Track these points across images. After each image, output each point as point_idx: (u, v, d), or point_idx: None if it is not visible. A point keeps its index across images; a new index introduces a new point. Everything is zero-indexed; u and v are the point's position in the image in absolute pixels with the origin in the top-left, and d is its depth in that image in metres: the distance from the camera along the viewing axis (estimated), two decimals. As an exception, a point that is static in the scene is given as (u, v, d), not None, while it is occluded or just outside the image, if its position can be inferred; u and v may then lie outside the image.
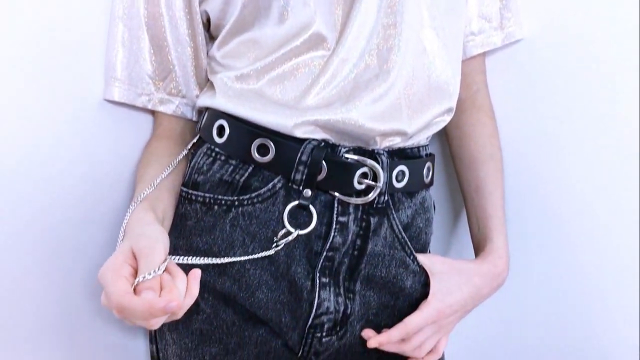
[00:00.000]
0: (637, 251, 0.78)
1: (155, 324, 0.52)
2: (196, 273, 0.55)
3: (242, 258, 0.65)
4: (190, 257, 0.60)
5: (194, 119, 0.77)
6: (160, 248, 0.55)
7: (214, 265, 0.66)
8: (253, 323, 0.68)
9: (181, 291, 0.53)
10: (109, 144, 0.76)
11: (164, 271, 0.54)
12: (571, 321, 0.86)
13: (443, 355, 0.77)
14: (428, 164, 0.74)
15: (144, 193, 0.66)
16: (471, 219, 0.79)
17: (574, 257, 0.83)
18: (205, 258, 0.63)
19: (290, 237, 0.66)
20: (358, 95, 0.66)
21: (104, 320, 0.81)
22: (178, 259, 0.57)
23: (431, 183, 0.76)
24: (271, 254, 0.65)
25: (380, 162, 0.67)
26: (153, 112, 0.78)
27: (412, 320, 0.70)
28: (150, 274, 0.52)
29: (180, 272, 0.54)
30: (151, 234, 0.58)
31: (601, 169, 0.78)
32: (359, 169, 0.67)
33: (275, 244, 0.66)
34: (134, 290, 0.52)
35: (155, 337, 0.74)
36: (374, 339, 0.70)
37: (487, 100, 0.83)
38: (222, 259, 0.64)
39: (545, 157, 0.83)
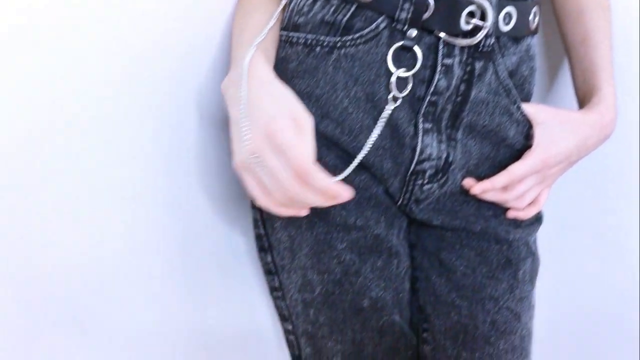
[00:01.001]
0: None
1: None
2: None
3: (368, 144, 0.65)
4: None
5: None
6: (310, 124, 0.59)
7: (316, 107, 0.66)
8: (356, 168, 0.68)
9: None
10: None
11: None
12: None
13: (541, 212, 0.76)
14: (535, 8, 0.70)
15: (256, 40, 0.64)
16: (576, 71, 0.76)
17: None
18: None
19: (407, 90, 0.65)
20: None
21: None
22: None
23: (536, 30, 0.72)
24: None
25: (489, 1, 0.64)
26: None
27: (517, 169, 0.69)
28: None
29: None
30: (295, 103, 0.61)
31: None
32: (466, 7, 0.63)
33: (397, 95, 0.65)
34: None
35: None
36: (477, 186, 0.69)
37: None
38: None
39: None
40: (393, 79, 0.64)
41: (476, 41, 0.64)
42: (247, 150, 0.59)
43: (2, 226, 0.68)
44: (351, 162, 0.68)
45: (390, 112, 0.65)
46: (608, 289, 0.99)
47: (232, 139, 0.63)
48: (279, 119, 0.58)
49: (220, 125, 0.78)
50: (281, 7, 0.69)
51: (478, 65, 0.67)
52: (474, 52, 0.66)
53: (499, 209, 0.73)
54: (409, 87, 0.65)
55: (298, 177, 0.57)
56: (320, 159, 0.67)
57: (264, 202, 0.63)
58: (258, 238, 0.76)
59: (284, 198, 0.61)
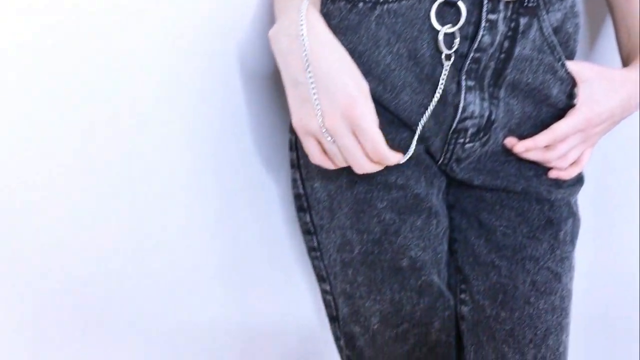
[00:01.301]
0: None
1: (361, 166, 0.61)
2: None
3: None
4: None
5: None
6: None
7: (358, 64, 0.65)
8: (396, 126, 0.68)
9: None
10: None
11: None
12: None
13: (582, 172, 0.75)
14: (581, -37, 0.69)
15: None
16: (620, 29, 0.74)
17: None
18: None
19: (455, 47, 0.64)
20: None
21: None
22: None
23: (581, -14, 0.71)
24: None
25: None
26: None
27: (560, 127, 0.68)
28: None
29: None
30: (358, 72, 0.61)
31: None
32: None
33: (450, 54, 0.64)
34: None
35: (295, 145, 0.75)
36: (520, 144, 0.69)
37: None
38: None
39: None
40: (440, 36, 0.63)
41: None
42: (319, 124, 0.59)
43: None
44: (392, 121, 0.68)
45: (447, 71, 0.64)
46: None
47: (291, 98, 0.62)
48: (359, 100, 0.58)
49: (261, 79, 0.78)
50: None
51: (522, 21, 0.65)
52: (519, 7, 0.65)
53: (540, 169, 0.72)
54: (457, 42, 0.64)
55: (370, 158, 0.59)
56: None
57: (319, 161, 0.63)
58: (297, 198, 0.76)
59: (344, 164, 0.62)
